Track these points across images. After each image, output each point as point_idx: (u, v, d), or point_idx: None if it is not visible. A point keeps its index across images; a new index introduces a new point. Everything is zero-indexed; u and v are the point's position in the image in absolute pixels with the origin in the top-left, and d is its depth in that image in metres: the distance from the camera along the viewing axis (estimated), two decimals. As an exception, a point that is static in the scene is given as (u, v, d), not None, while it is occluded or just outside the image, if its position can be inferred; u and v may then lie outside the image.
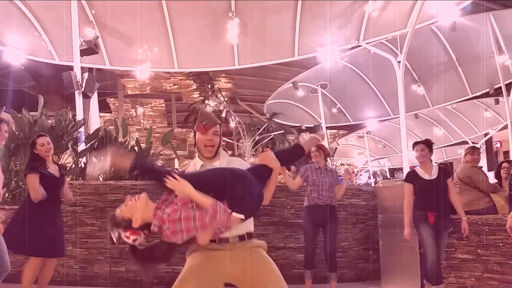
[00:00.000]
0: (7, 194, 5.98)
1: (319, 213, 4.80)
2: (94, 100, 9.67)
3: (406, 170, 7.59)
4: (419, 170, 4.46)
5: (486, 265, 4.46)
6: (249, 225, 2.25)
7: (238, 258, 2.16)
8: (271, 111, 16.12)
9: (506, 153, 16.28)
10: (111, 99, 17.73)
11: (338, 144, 18.82)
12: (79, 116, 7.56)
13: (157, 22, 9.24)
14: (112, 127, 7.26)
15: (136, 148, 6.66)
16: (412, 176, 4.47)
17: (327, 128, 14.57)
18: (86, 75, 7.82)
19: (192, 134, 2.40)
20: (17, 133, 6.29)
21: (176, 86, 17.57)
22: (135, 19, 8.50)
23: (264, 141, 12.13)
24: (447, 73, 12.03)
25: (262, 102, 16.22)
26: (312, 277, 4.87)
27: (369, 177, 16.90)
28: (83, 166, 6.44)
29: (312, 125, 15.24)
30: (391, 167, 20.42)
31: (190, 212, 1.90)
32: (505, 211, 4.62)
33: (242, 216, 1.99)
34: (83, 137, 6.99)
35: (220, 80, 17.52)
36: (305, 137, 2.63)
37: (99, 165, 2.15)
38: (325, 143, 11.51)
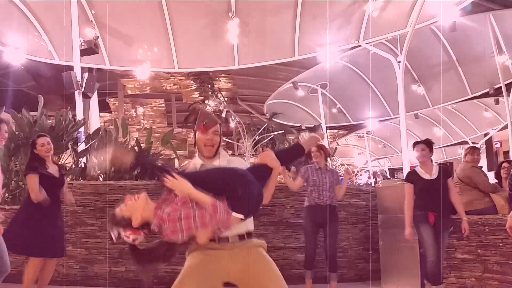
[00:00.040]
0: (7, 194, 5.98)
1: (319, 213, 4.81)
2: (94, 100, 9.67)
3: (406, 170, 7.59)
4: (419, 170, 4.46)
5: (486, 265, 4.46)
6: (249, 225, 2.25)
7: (238, 257, 2.15)
8: (271, 111, 16.12)
9: (506, 153, 16.28)
10: (111, 99, 17.72)
11: (338, 144, 18.81)
12: (79, 116, 7.56)
13: (157, 22, 9.24)
14: (112, 127, 7.26)
15: (136, 148, 6.66)
16: (413, 176, 4.47)
17: (327, 128, 14.57)
18: (86, 75, 7.82)
19: (192, 134, 2.40)
20: (17, 133, 6.29)
21: (176, 86, 17.56)
22: (135, 19, 8.50)
23: (264, 141, 12.11)
24: (447, 73, 12.03)
25: (262, 102, 16.22)
26: (312, 277, 4.87)
27: (369, 177, 16.89)
28: (83, 166, 6.44)
29: (312, 125, 15.25)
30: (391, 167, 20.42)
31: (190, 211, 1.90)
32: (505, 211, 4.62)
33: (242, 216, 1.99)
34: (83, 137, 7.00)
35: (220, 80, 17.51)
36: (305, 136, 2.63)
37: (100, 160, 2.15)
38: (325, 143, 11.52)
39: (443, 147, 17.64)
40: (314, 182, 4.88)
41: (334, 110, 14.58)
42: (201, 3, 8.94)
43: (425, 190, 4.31)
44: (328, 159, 5.33)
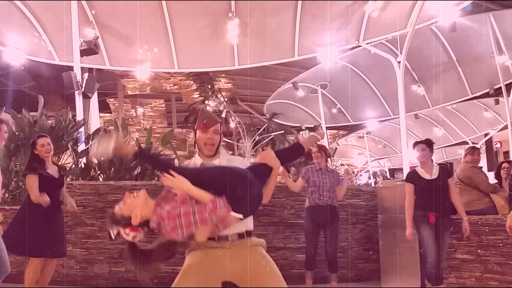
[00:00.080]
0: (7, 195, 5.98)
1: (320, 213, 4.81)
2: (94, 100, 9.67)
3: (406, 170, 7.59)
4: (419, 170, 4.45)
5: (486, 266, 4.46)
6: (249, 223, 2.25)
7: (238, 256, 2.15)
8: (271, 111, 16.12)
9: (506, 153, 16.27)
10: (111, 100, 17.72)
11: (338, 145, 18.81)
12: (79, 116, 7.56)
13: (157, 22, 9.24)
14: (112, 127, 7.26)
15: (136, 148, 6.65)
16: (413, 176, 4.46)
17: (327, 128, 14.56)
18: (86, 75, 7.82)
19: (192, 134, 2.40)
20: (17, 133, 6.29)
21: (176, 87, 17.56)
22: (135, 19, 8.50)
23: (264, 142, 12.12)
24: (447, 73, 12.03)
25: (262, 102, 16.21)
26: (313, 277, 4.87)
27: (369, 178, 16.88)
28: (83, 166, 6.44)
29: (312, 126, 15.25)
30: (391, 167, 20.41)
31: (189, 208, 1.90)
32: (505, 211, 4.62)
33: (241, 216, 1.99)
34: (83, 137, 7.00)
35: (220, 81, 17.51)
36: (304, 135, 2.63)
37: (102, 146, 2.13)
38: (325, 143, 11.52)
39: (443, 147, 17.64)
40: (314, 182, 4.88)
41: (334, 111, 14.57)
42: (201, 3, 8.93)
43: (425, 190, 4.30)
44: (329, 159, 5.32)
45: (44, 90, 11.56)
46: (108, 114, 17.57)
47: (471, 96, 12.73)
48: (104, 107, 16.65)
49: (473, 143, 15.05)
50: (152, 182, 5.69)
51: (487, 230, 4.48)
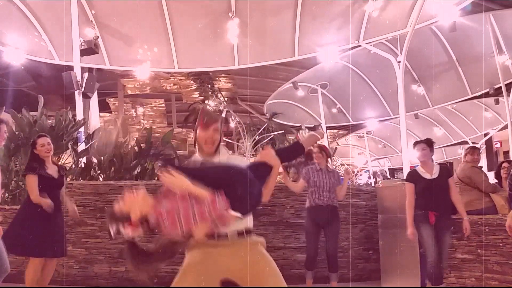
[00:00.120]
0: (7, 194, 5.98)
1: (320, 213, 4.81)
2: (94, 100, 9.68)
3: (406, 170, 7.59)
4: (420, 169, 4.45)
5: (486, 265, 4.46)
6: (248, 222, 2.25)
7: (237, 254, 2.15)
8: (271, 111, 16.13)
9: (506, 153, 16.28)
10: (111, 99, 17.73)
11: (338, 144, 18.81)
12: (79, 116, 7.57)
13: (157, 22, 9.24)
14: (112, 127, 7.27)
15: (136, 148, 6.66)
16: (414, 176, 4.46)
17: (327, 128, 14.57)
18: (86, 75, 7.83)
19: (192, 134, 2.40)
20: (17, 133, 6.29)
21: (176, 86, 17.56)
22: (135, 19, 8.50)
23: (264, 141, 12.12)
24: (447, 73, 12.04)
25: (262, 102, 16.22)
26: (313, 277, 4.87)
27: (369, 177, 16.89)
28: (83, 166, 6.44)
29: (312, 125, 15.25)
30: (391, 167, 20.41)
31: (189, 205, 1.90)
32: (505, 211, 4.62)
33: (240, 215, 1.99)
34: (83, 137, 7.00)
35: (220, 80, 17.51)
36: (304, 134, 2.64)
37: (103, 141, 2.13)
38: (325, 143, 11.53)
39: (443, 147, 17.65)
40: (315, 183, 4.88)
41: (334, 110, 14.58)
42: (201, 3, 8.94)
43: (426, 190, 4.29)
44: (329, 159, 5.33)
45: (44, 90, 11.56)
46: (108, 114, 17.57)
47: (471, 95, 12.73)
48: (104, 107, 16.65)
49: (473, 143, 15.05)
50: (152, 182, 5.69)
51: (487, 230, 4.48)
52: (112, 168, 6.23)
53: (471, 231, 4.44)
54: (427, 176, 4.36)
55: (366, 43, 9.45)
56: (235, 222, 2.04)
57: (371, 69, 12.17)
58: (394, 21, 8.75)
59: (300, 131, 14.82)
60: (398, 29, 8.89)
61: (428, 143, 4.48)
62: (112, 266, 5.34)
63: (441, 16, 8.81)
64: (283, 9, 9.08)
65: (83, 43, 8.35)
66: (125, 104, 18.00)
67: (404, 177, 5.06)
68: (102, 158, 6.33)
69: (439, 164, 4.73)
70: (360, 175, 17.17)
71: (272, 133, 13.47)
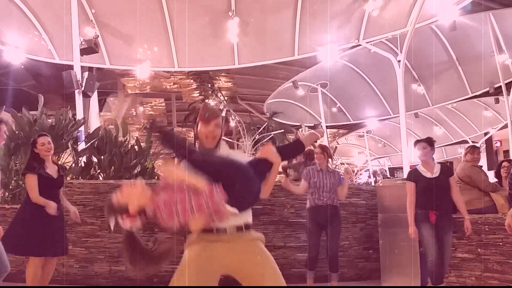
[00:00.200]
0: (7, 194, 5.98)
1: (321, 214, 4.81)
2: (94, 99, 9.68)
3: (406, 169, 7.59)
4: (421, 168, 4.44)
5: (486, 264, 4.46)
6: (247, 216, 2.25)
7: (236, 249, 2.16)
8: (271, 110, 16.13)
9: (506, 152, 16.27)
10: (111, 98, 17.72)
11: (338, 143, 18.82)
12: (79, 115, 7.56)
13: (157, 22, 9.24)
14: (112, 126, 7.26)
15: (136, 147, 6.66)
16: (414, 175, 4.44)
17: (327, 127, 14.58)
18: (86, 74, 7.82)
19: (193, 133, 2.40)
20: (17, 132, 6.29)
21: (176, 85, 17.55)
22: (135, 18, 8.51)
23: (264, 140, 12.13)
24: (447, 72, 12.04)
25: (262, 101, 16.23)
26: (314, 276, 4.88)
27: (369, 176, 16.89)
28: (83, 165, 6.44)
29: (312, 124, 15.26)
30: (391, 166, 20.43)
31: (185, 196, 1.90)
32: (505, 210, 4.61)
33: (236, 211, 1.99)
34: (83, 136, 7.00)
35: (220, 79, 17.50)
36: (304, 132, 2.65)
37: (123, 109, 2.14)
38: (325, 142, 11.53)
39: (443, 146, 17.65)
40: (315, 183, 4.88)
41: (334, 109, 14.59)
42: (201, 2, 8.95)
43: (426, 189, 4.28)
44: (330, 160, 5.32)
45: (44, 89, 11.56)
46: (108, 113, 17.56)
47: (471, 95, 12.74)
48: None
49: (473, 142, 15.06)
50: (152, 181, 5.69)
51: (487, 229, 4.48)
52: (112, 167, 6.22)
53: (471, 230, 4.44)
54: (428, 175, 4.35)
55: (366, 42, 9.45)
56: (231, 217, 2.04)
57: (371, 68, 12.18)
58: (394, 20, 8.76)
59: (300, 130, 14.82)
60: (398, 28, 8.89)
61: (429, 142, 4.46)
62: (112, 265, 5.34)
63: (441, 15, 8.82)
64: (283, 8, 9.08)
65: (83, 42, 8.35)
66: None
67: (404, 176, 5.05)
68: (102, 157, 6.33)
69: (440, 163, 4.72)
70: (360, 174, 17.16)
71: (272, 132, 13.48)
